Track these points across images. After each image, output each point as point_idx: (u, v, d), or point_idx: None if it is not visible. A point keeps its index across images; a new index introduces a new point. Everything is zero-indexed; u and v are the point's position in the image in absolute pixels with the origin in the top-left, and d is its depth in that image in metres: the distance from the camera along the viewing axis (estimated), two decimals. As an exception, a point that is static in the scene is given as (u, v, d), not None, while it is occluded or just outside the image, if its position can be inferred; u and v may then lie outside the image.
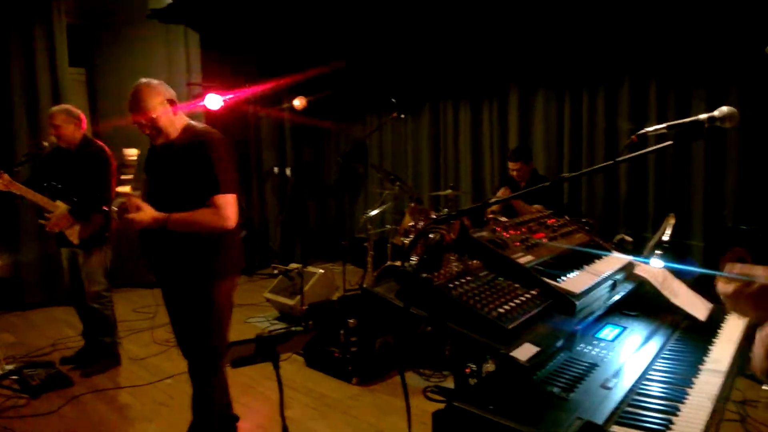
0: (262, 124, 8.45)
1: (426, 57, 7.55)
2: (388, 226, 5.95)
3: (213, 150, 2.69)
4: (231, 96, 7.11)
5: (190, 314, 2.87)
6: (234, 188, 2.72)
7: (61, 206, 4.17)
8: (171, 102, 2.78)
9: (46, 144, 4.43)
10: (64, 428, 3.54)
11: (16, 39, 6.26)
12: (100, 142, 4.44)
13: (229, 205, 2.69)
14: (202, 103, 6.99)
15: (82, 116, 4.36)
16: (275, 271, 6.13)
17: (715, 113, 1.65)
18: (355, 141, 8.30)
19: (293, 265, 5.91)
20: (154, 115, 2.71)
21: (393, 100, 5.57)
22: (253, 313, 5.97)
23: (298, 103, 7.22)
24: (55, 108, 4.34)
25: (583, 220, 2.23)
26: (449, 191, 5.65)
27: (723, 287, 1.28)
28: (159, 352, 4.84)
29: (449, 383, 3.97)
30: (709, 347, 1.75)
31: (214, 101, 6.90)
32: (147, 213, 2.62)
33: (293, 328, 5.20)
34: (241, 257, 2.97)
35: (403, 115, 5.23)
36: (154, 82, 2.80)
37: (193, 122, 2.90)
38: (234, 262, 2.92)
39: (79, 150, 4.28)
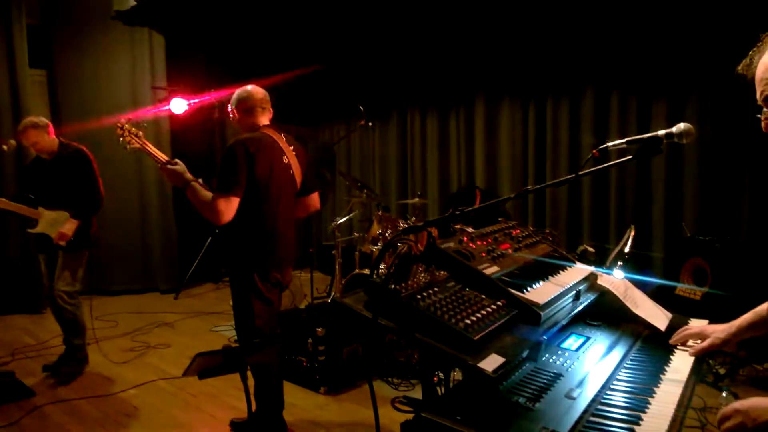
0: (227, 128, 8.36)
1: (394, 65, 7.59)
2: (356, 234, 5.94)
3: (224, 153, 3.03)
4: (196, 100, 7.04)
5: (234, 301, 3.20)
6: (227, 189, 2.94)
7: (44, 213, 4.20)
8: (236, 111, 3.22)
9: (5, 147, 4.34)
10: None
11: (-26, 40, 6.09)
12: (76, 144, 4.41)
13: (219, 203, 2.91)
14: (167, 107, 6.91)
15: (48, 122, 4.30)
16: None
17: (673, 130, 1.67)
18: (323, 147, 8.28)
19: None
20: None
21: (360, 107, 5.57)
22: (219, 322, 5.89)
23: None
24: (22, 125, 4.25)
25: (547, 231, 2.28)
26: (417, 199, 5.68)
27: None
28: (123, 362, 4.74)
29: (418, 391, 3.99)
30: (670, 357, 1.79)
31: (178, 105, 6.83)
32: (181, 166, 3.02)
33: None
34: (279, 253, 3.17)
35: (370, 123, 5.25)
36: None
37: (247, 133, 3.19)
38: (267, 256, 3.11)
39: (57, 157, 4.29)
